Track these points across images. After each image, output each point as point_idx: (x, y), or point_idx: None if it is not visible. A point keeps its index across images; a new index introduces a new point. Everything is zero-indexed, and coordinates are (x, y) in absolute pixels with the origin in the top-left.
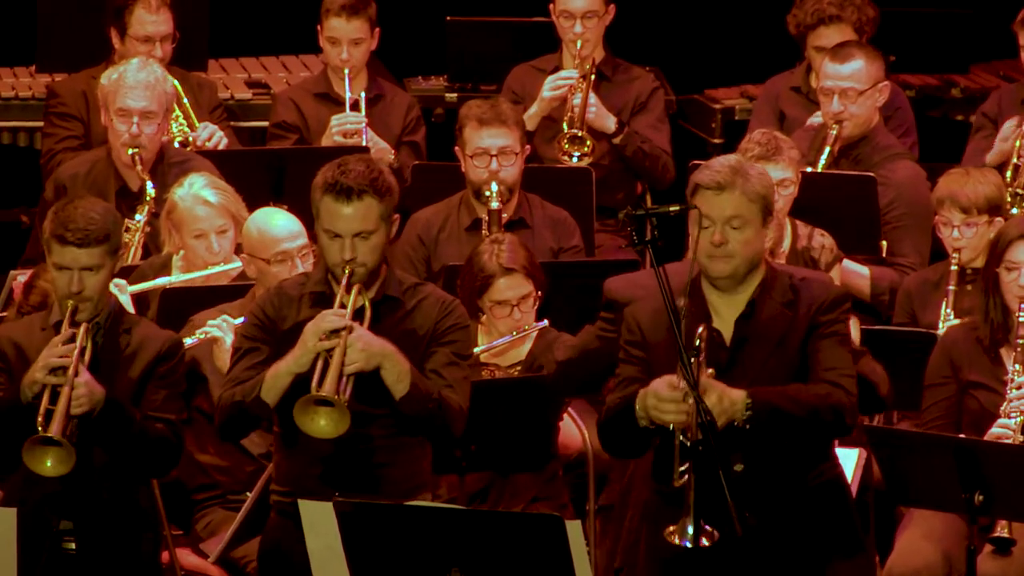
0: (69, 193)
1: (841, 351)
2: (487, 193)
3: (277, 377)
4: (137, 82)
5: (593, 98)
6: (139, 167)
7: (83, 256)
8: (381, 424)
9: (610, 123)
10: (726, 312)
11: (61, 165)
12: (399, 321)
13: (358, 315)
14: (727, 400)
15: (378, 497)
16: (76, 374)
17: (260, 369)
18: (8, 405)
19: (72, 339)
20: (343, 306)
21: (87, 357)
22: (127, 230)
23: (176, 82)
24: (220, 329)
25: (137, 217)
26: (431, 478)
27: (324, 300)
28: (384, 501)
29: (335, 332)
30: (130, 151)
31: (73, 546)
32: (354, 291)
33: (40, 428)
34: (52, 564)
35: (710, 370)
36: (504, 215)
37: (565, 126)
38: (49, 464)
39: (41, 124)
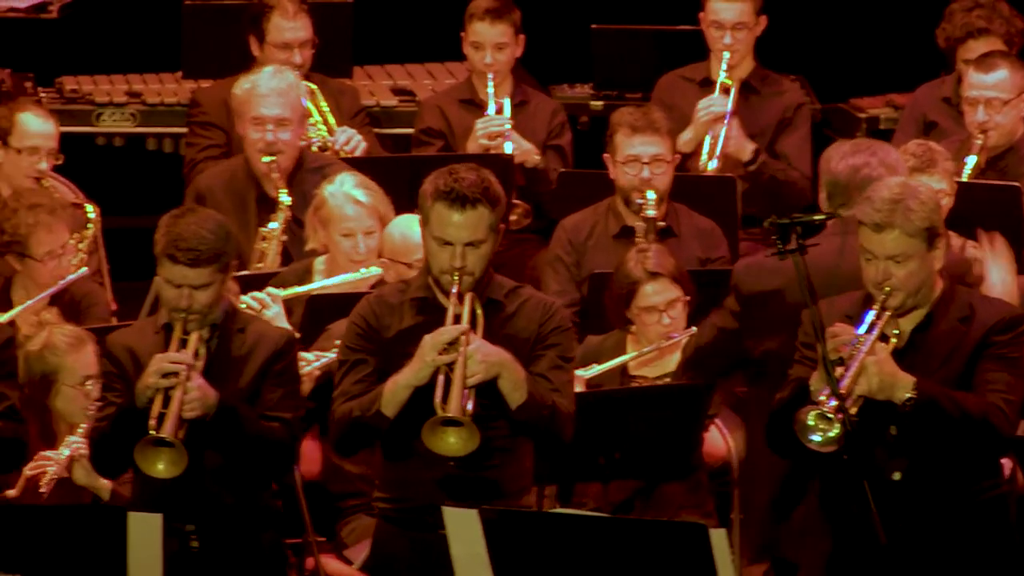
0: (208, 202)
1: (1007, 373)
2: (640, 201)
3: (396, 391)
4: (270, 90)
5: (735, 128)
6: (275, 175)
7: (192, 275)
8: (493, 426)
9: (747, 151)
10: (904, 322)
11: (200, 174)
12: (501, 325)
13: (471, 324)
14: (888, 371)
15: (487, 502)
16: (189, 379)
17: (369, 381)
18: (124, 409)
19: (184, 345)
20: (456, 316)
21: (201, 362)
22: (263, 239)
23: (315, 87)
24: None
25: (272, 225)
26: (531, 481)
27: (427, 306)
28: (529, 509)
29: (454, 343)
30: (266, 159)
31: (196, 544)
32: (468, 300)
33: (153, 431)
34: (178, 561)
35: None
36: (661, 223)
37: (704, 155)
38: (161, 466)
39: (186, 131)
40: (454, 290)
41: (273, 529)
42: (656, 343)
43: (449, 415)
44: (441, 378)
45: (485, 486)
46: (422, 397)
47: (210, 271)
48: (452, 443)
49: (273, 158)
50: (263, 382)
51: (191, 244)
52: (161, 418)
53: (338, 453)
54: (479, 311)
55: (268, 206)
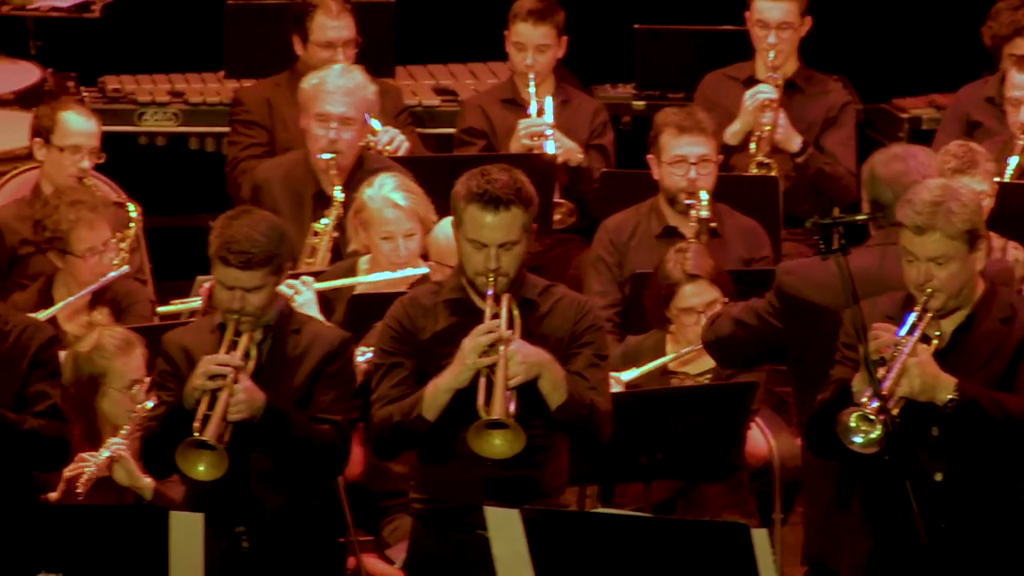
0: (265, 194)
1: None
2: (688, 202)
3: (436, 395)
4: (337, 88)
5: (783, 119)
6: (333, 172)
7: (244, 278)
8: (530, 428)
9: (795, 143)
10: (945, 324)
11: (259, 165)
12: (536, 324)
13: (509, 325)
14: (930, 372)
15: (525, 501)
16: (236, 381)
17: (406, 384)
18: (173, 409)
19: (235, 347)
20: (495, 317)
21: (251, 364)
22: (315, 234)
23: (374, 87)
24: None
25: (324, 221)
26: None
27: (461, 307)
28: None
29: (493, 346)
30: (326, 156)
31: (247, 545)
32: (505, 301)
33: (196, 432)
34: (229, 563)
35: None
36: (712, 224)
37: (753, 146)
38: (202, 468)
39: (228, 130)
40: (489, 292)
41: (326, 532)
42: (694, 344)
43: (494, 418)
44: (483, 381)
45: (523, 485)
46: (462, 399)
47: (262, 274)
48: (498, 445)
49: (333, 156)
50: (316, 383)
51: (243, 247)
52: (206, 420)
53: (378, 456)
54: (516, 312)
55: (324, 203)
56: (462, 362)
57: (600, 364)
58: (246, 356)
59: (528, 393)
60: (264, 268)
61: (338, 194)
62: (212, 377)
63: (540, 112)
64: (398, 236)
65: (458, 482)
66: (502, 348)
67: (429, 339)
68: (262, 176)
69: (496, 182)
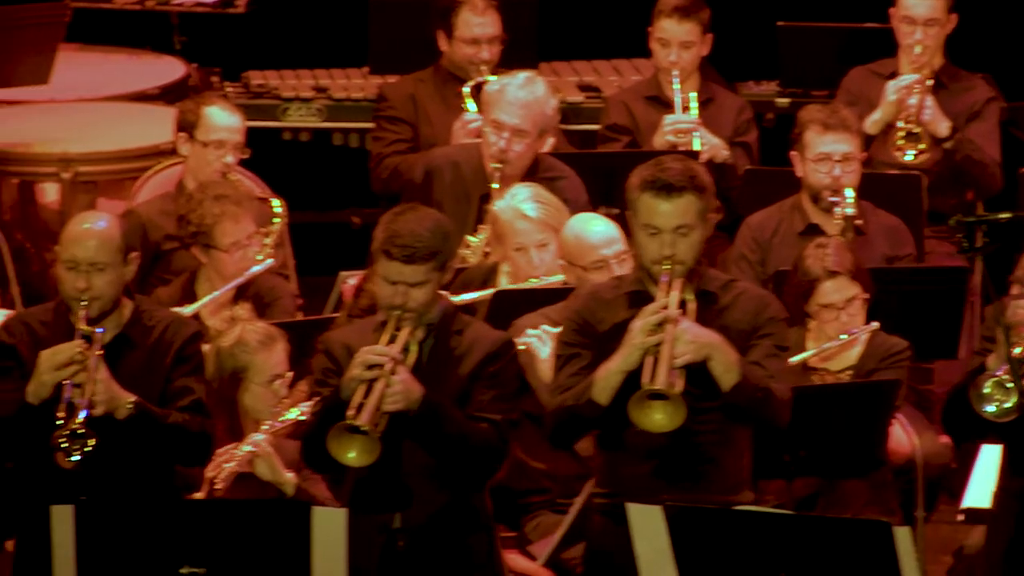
0: (436, 181)
1: None
2: (832, 199)
3: (607, 377)
4: (515, 99)
5: (930, 100)
6: (496, 185)
7: (407, 272)
8: (706, 420)
9: (943, 127)
10: None
11: (438, 150)
12: (716, 316)
13: (680, 309)
14: None
15: (703, 495)
16: (393, 372)
17: (584, 375)
18: (331, 401)
19: (394, 341)
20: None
21: (410, 359)
22: (467, 246)
23: (554, 101)
24: (539, 340)
25: (480, 236)
26: (751, 477)
27: (641, 299)
28: (711, 504)
29: (661, 325)
30: (494, 165)
31: (402, 543)
32: (676, 285)
33: (348, 419)
34: (384, 560)
35: None
36: (858, 221)
37: (901, 123)
38: (352, 455)
39: (372, 126)
40: (664, 278)
41: (484, 531)
42: (834, 340)
43: (655, 388)
44: (649, 360)
45: (699, 480)
46: (634, 385)
47: (425, 269)
48: (658, 419)
49: (500, 165)
50: (475, 383)
51: (407, 241)
52: (360, 408)
53: (554, 445)
54: (690, 297)
55: (488, 205)
56: (630, 343)
57: (779, 355)
58: (405, 350)
59: (704, 383)
60: (427, 264)
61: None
62: (370, 367)
63: (685, 109)
64: (530, 248)
65: (634, 476)
66: (670, 327)
67: (608, 331)
68: (437, 162)
69: (669, 170)
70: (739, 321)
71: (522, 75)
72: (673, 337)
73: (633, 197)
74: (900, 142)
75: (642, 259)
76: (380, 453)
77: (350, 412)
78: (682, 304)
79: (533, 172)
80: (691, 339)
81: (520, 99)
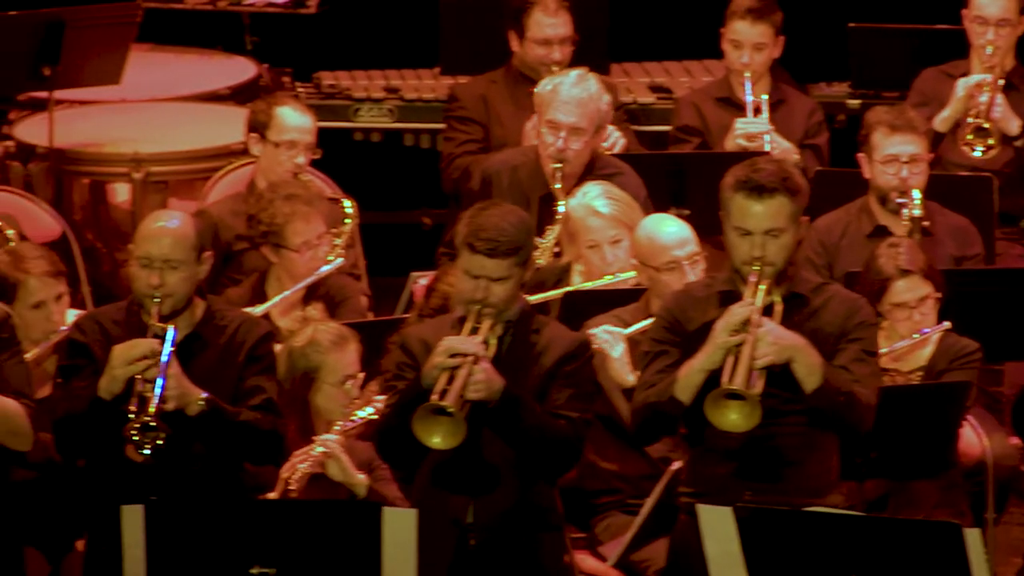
0: (494, 187)
1: None
2: (899, 200)
3: (690, 375)
4: (570, 97)
5: (1000, 98)
6: (558, 187)
7: (491, 266)
8: (790, 421)
9: (1013, 125)
10: None
11: (490, 156)
12: (806, 319)
13: (767, 312)
14: None
15: (787, 496)
16: (476, 362)
17: (670, 372)
18: (413, 393)
19: (475, 333)
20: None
21: (490, 352)
22: (535, 247)
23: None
24: (610, 341)
25: (548, 237)
26: (839, 479)
27: (731, 299)
28: (783, 506)
29: (745, 325)
30: (553, 165)
31: (474, 541)
32: (763, 287)
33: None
34: (458, 558)
35: None
36: (925, 222)
37: (970, 120)
38: (438, 439)
39: (443, 126)
40: (752, 279)
41: (555, 532)
42: (906, 339)
43: (732, 388)
44: (730, 359)
45: (782, 482)
46: (717, 385)
47: (508, 264)
48: (734, 419)
49: (560, 165)
50: (552, 382)
51: (491, 235)
52: (444, 393)
53: (638, 442)
54: (777, 299)
55: (551, 206)
56: (714, 342)
57: (867, 359)
58: (485, 344)
59: (787, 384)
60: (511, 258)
61: (561, 208)
62: (453, 356)
63: (756, 111)
64: (603, 244)
65: (716, 475)
66: (752, 328)
67: (697, 330)
68: (494, 168)
69: (762, 171)
70: (829, 324)
71: (574, 73)
72: (755, 338)
73: (726, 197)
74: (969, 137)
75: (733, 259)
76: (465, 436)
77: (434, 397)
78: (769, 306)
79: (590, 170)
80: (773, 340)
81: (574, 97)
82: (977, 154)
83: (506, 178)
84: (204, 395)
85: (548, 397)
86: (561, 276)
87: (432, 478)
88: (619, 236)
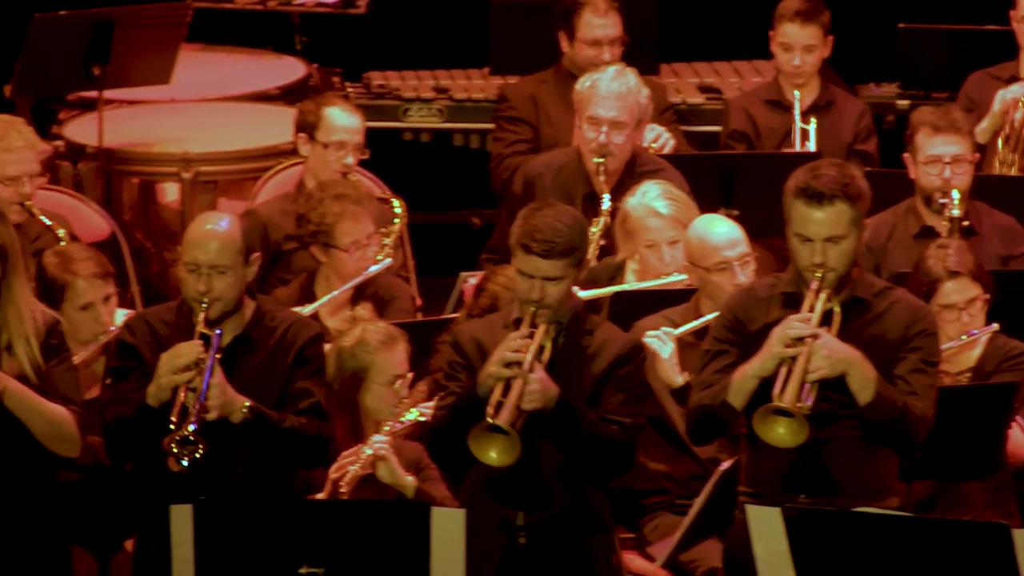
0: (537, 189)
1: None
2: (943, 201)
3: (743, 380)
4: (610, 92)
5: None
6: (602, 179)
7: (545, 266)
8: (846, 425)
9: None
10: None
11: (531, 159)
12: (867, 324)
13: (826, 319)
14: None
15: (842, 500)
16: (531, 370)
17: (729, 372)
18: (466, 398)
19: (530, 337)
20: (811, 311)
21: (545, 356)
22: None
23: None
24: (659, 341)
25: (592, 230)
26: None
27: (794, 301)
28: (832, 507)
29: (800, 339)
30: (596, 160)
31: (524, 541)
32: (823, 296)
33: (490, 418)
34: (507, 559)
35: None
36: (965, 223)
37: (1000, 143)
38: (494, 454)
39: (493, 127)
40: (813, 285)
41: (604, 532)
42: (955, 340)
43: (781, 405)
44: (783, 370)
45: (839, 485)
46: (769, 391)
47: (563, 264)
48: (781, 434)
49: (603, 160)
50: (605, 385)
51: (546, 235)
52: (499, 407)
53: (692, 442)
54: (836, 308)
55: (595, 204)
56: (769, 349)
57: (926, 370)
58: (540, 348)
59: (841, 390)
60: (565, 259)
61: (606, 202)
62: (508, 365)
63: (804, 114)
64: (662, 244)
65: (772, 477)
66: (808, 341)
67: (758, 330)
68: (535, 171)
69: (823, 177)
70: (890, 330)
71: (611, 69)
72: (810, 352)
73: (787, 202)
74: (998, 165)
75: (795, 263)
76: (520, 452)
77: (489, 410)
78: (828, 312)
79: (631, 167)
80: (827, 354)
81: (614, 91)
82: (1013, 172)
83: (548, 179)
84: (248, 403)
85: (601, 401)
86: (615, 273)
87: (487, 488)
88: (677, 237)
